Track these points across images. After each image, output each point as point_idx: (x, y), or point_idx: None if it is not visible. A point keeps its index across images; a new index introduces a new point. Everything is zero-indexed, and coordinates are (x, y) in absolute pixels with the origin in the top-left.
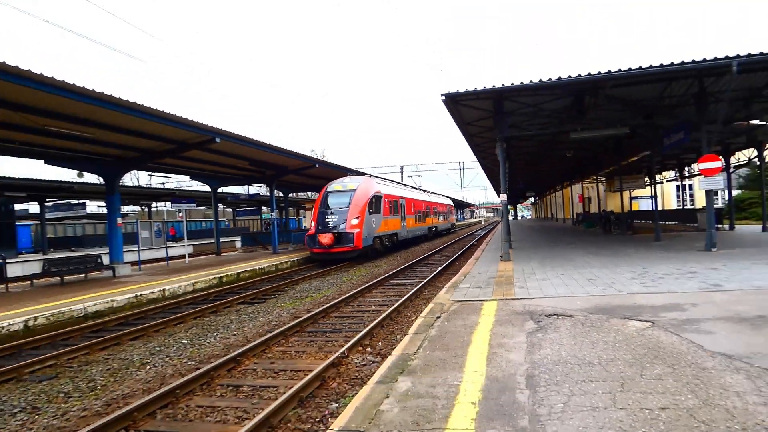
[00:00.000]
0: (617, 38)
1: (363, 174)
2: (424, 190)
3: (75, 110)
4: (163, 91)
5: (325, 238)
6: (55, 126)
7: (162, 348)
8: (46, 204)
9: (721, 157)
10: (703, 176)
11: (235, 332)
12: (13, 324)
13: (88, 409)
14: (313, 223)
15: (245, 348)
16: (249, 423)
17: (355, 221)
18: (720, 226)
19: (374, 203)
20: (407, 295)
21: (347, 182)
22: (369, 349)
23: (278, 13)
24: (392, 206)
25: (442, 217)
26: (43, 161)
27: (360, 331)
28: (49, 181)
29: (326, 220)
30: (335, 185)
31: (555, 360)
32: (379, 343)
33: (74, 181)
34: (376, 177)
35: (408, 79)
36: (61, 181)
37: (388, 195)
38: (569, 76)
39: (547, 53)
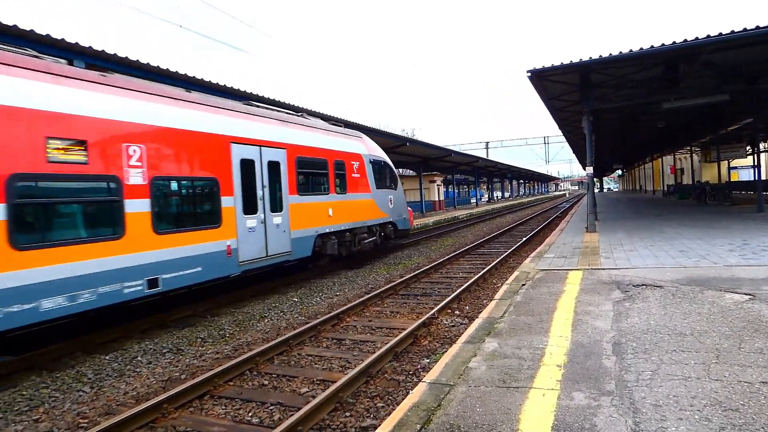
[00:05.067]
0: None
1: None
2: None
3: None
4: (271, 80)
5: None
6: None
7: (277, 305)
8: None
9: None
10: None
11: (338, 293)
12: None
13: (219, 352)
14: None
15: (346, 307)
16: (351, 371)
17: None
18: None
19: None
20: (493, 264)
21: None
22: (457, 312)
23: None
24: None
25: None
26: None
27: (448, 296)
28: None
29: None
30: None
31: (643, 329)
32: (467, 307)
33: None
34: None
35: (492, 57)
36: None
37: None
38: (662, 45)
39: (635, 23)
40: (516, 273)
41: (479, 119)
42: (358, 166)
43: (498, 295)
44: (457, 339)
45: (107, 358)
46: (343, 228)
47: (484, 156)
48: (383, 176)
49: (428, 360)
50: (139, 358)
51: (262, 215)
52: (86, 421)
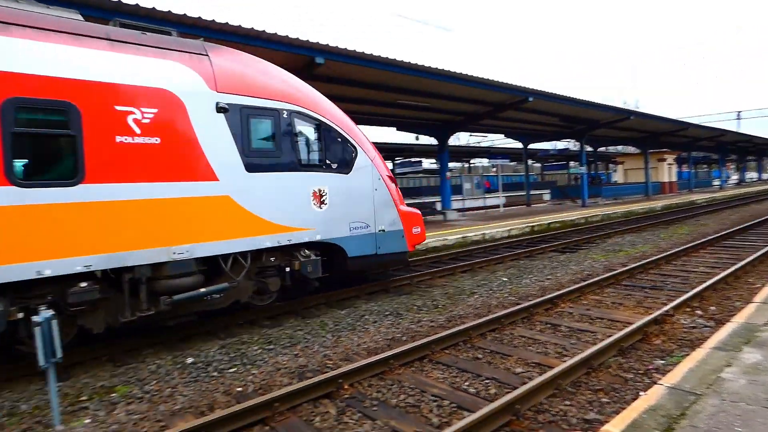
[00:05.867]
0: None
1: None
2: None
3: (417, 85)
4: (469, 57)
5: None
6: (403, 99)
7: (486, 282)
8: (395, 161)
9: None
10: None
11: (549, 277)
12: None
13: (434, 321)
14: None
15: (560, 292)
16: (570, 360)
17: None
18: None
19: None
20: (748, 260)
21: None
22: (699, 312)
23: None
24: None
25: None
26: (395, 128)
27: (686, 291)
28: (396, 143)
29: None
30: None
31: None
32: (712, 307)
33: (413, 143)
34: None
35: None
36: (403, 144)
37: None
38: None
39: None
40: None
41: (731, 86)
42: (156, 117)
43: (759, 298)
44: (702, 343)
45: (342, 312)
46: (54, 272)
47: (734, 129)
48: (289, 144)
49: (663, 362)
50: (366, 317)
51: None
52: (331, 363)
